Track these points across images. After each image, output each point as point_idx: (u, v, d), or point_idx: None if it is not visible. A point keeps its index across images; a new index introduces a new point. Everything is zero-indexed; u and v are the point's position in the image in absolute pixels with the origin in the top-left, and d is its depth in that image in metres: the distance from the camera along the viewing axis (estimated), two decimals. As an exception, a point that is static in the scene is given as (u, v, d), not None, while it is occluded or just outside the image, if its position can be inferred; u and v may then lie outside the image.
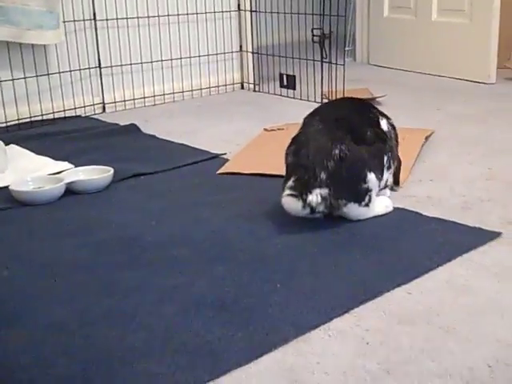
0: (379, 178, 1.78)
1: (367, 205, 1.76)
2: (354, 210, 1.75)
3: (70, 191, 2.05)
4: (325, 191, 1.69)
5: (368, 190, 1.74)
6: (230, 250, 1.65)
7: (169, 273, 1.54)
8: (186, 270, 1.55)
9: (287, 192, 1.73)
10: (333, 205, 1.71)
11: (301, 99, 3.36)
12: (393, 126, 1.91)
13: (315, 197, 1.69)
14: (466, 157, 2.38)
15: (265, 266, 1.56)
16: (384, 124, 1.82)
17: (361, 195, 1.74)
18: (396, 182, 1.97)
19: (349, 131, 1.72)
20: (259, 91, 3.66)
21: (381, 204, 1.83)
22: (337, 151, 1.68)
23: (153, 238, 1.73)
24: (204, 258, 1.61)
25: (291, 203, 1.73)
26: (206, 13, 3.49)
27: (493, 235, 1.69)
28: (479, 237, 1.68)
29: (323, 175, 1.68)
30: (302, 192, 1.70)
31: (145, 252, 1.65)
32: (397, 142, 1.93)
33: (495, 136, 2.64)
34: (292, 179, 1.72)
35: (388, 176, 1.87)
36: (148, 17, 3.29)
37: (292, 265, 1.56)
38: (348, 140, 1.70)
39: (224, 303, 1.40)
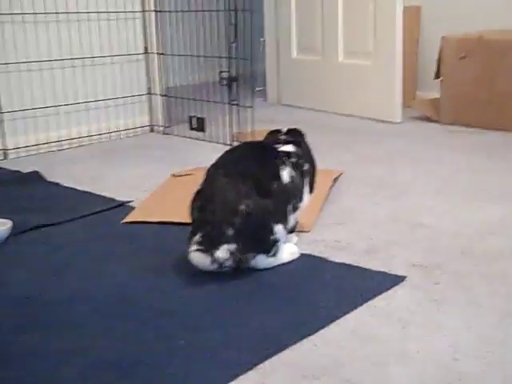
0: (286, 227, 1.78)
1: (274, 255, 1.75)
2: (261, 261, 1.74)
3: (-35, 247, 1.95)
4: (232, 246, 1.67)
5: (276, 241, 1.74)
6: (132, 306, 1.59)
7: (67, 334, 1.47)
8: (86, 330, 1.48)
9: (194, 247, 1.70)
10: (241, 259, 1.70)
11: (211, 141, 3.35)
12: (304, 159, 1.93)
13: (222, 252, 1.66)
14: (372, 198, 2.41)
15: (169, 321, 1.51)
16: (285, 175, 1.79)
17: (269, 246, 1.73)
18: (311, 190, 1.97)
19: (253, 185, 1.71)
20: (168, 134, 3.62)
21: (287, 251, 1.81)
22: (243, 207, 1.66)
23: (52, 295, 1.65)
24: (105, 316, 1.54)
25: (199, 259, 1.70)
26: (112, 56, 3.45)
27: (397, 279, 1.70)
28: (384, 282, 1.69)
29: (230, 231, 1.66)
30: (209, 248, 1.67)
31: (43, 312, 1.57)
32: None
33: (399, 177, 2.69)
34: (199, 235, 1.70)
35: (293, 219, 1.85)
36: (52, 60, 3.21)
37: (197, 319, 1.52)
38: (253, 194, 1.69)
39: (125, 365, 1.34)
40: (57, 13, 3.19)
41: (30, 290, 1.69)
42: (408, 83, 3.96)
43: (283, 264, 1.79)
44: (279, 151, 1.87)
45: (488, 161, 2.90)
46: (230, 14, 3.17)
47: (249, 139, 3.14)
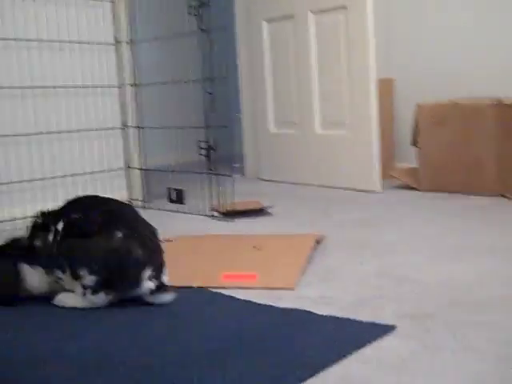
0: None
1: None
2: None
3: None
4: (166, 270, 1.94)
5: None
6: (109, 362, 1.50)
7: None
8: None
9: (153, 282, 1.87)
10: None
11: (191, 214, 3.30)
12: None
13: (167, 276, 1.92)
14: (356, 258, 2.35)
15: (146, 375, 1.42)
16: None
17: None
18: None
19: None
20: (147, 208, 3.57)
21: None
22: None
23: (24, 355, 1.56)
24: (81, 374, 1.44)
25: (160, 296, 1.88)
26: (90, 130, 3.44)
27: (387, 329, 1.63)
28: (374, 331, 1.61)
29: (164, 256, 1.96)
30: (160, 275, 1.89)
31: (13, 372, 1.47)
32: None
33: (384, 238, 2.65)
34: (150, 268, 1.86)
35: None
36: (28, 134, 3.19)
37: (179, 373, 1.43)
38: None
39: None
40: (32, 87, 3.20)
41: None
42: (385, 153, 3.98)
43: (268, 316, 1.72)
44: None
45: (471, 222, 2.88)
46: (206, 84, 3.20)
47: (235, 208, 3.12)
